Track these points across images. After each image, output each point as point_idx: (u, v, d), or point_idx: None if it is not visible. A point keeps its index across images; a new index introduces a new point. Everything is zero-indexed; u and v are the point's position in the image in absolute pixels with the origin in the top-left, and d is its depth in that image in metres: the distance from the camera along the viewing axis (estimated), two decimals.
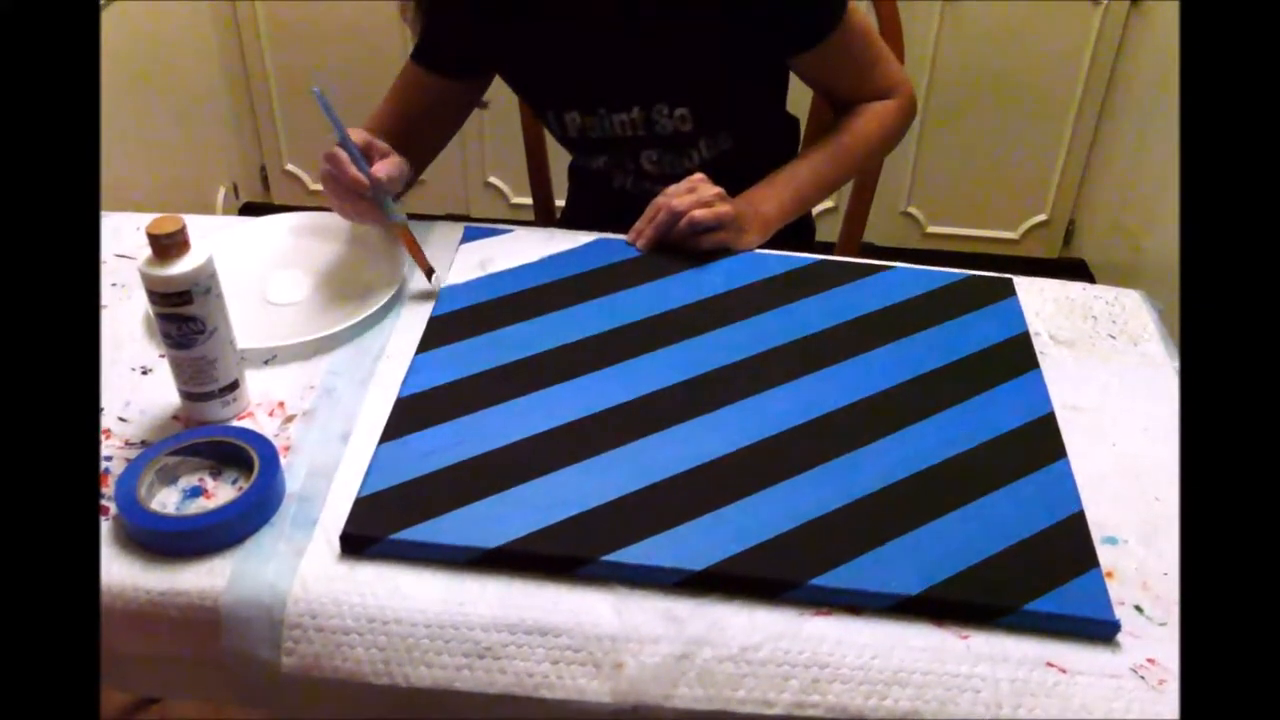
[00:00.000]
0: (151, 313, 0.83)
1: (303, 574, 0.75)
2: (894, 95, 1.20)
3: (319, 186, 2.47)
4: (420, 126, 1.17)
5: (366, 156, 1.00)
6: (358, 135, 1.00)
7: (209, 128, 2.32)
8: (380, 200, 1.00)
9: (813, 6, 1.10)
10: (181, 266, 0.80)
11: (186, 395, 0.86)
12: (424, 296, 1.02)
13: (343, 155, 0.98)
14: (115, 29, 1.90)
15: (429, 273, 1.03)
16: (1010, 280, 1.06)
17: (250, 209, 2.50)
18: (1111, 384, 0.95)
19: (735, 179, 1.13)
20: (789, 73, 1.24)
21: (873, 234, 2.32)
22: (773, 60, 1.19)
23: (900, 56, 1.30)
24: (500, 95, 1.27)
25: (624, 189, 1.26)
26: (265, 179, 2.51)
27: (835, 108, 1.23)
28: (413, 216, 1.08)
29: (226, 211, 2.38)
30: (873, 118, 1.19)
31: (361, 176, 0.98)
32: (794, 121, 1.36)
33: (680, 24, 1.09)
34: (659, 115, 1.16)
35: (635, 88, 1.15)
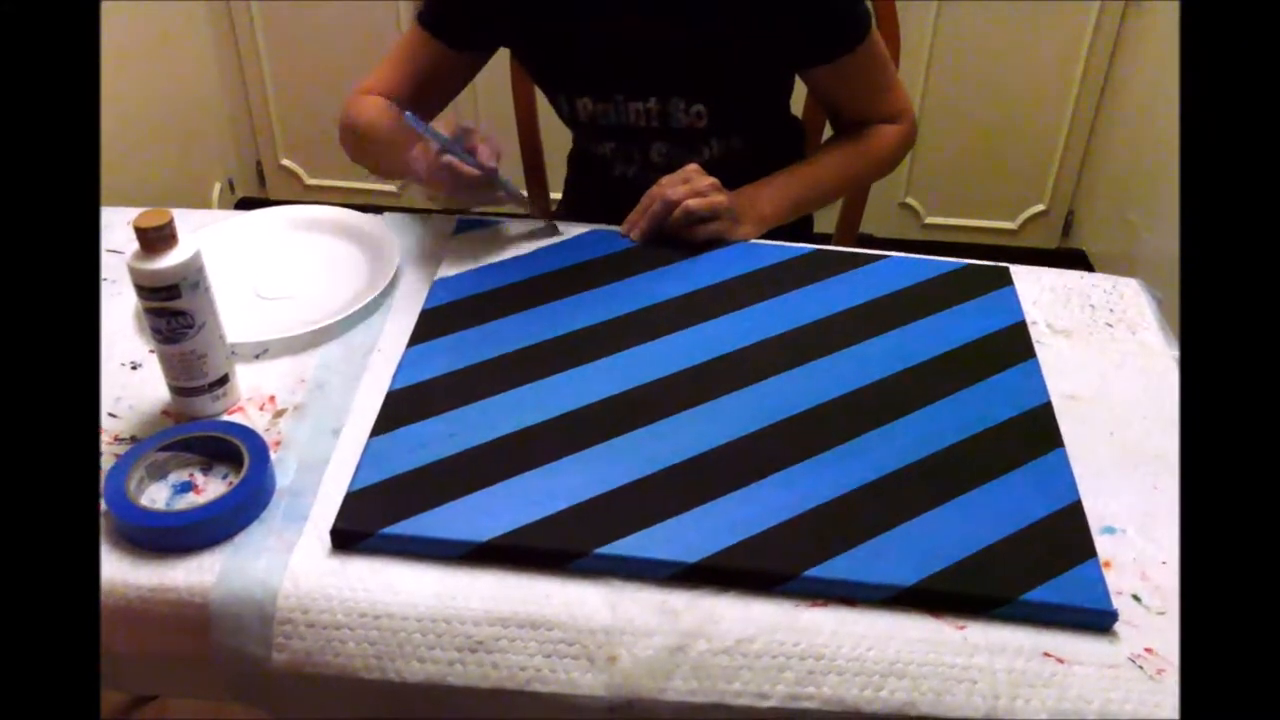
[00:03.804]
0: (140, 307, 0.82)
1: (293, 569, 0.74)
2: (899, 121, 1.21)
3: (315, 181, 2.47)
4: (423, 90, 1.16)
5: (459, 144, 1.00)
6: (445, 130, 1.00)
7: (204, 123, 2.32)
8: (496, 182, 1.02)
9: (840, 21, 1.11)
10: (169, 260, 0.79)
11: (176, 390, 0.86)
12: (417, 290, 1.02)
13: (453, 160, 0.98)
14: (110, 23, 1.89)
15: (552, 225, 1.09)
16: (1007, 269, 1.06)
17: (246, 204, 2.49)
18: (1109, 373, 0.94)
19: (740, 179, 1.13)
20: (794, 77, 1.24)
21: (870, 225, 2.31)
22: (793, 68, 1.20)
23: (896, 51, 1.30)
24: (498, 89, 1.26)
25: (625, 178, 1.26)
26: (261, 174, 2.50)
27: (839, 125, 1.24)
28: (407, 210, 1.08)
29: (222, 207, 2.37)
30: (879, 139, 1.20)
31: (477, 171, 0.99)
32: (799, 126, 1.36)
33: (709, 22, 1.09)
34: (675, 109, 1.16)
35: (656, 79, 1.15)
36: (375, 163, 1.16)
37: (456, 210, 1.13)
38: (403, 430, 0.84)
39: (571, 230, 1.10)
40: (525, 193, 1.09)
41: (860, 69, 1.15)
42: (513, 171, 2.28)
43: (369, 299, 0.98)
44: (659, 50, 1.11)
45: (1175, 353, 0.96)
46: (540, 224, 1.11)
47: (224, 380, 0.86)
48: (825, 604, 0.73)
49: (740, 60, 1.13)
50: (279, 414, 0.87)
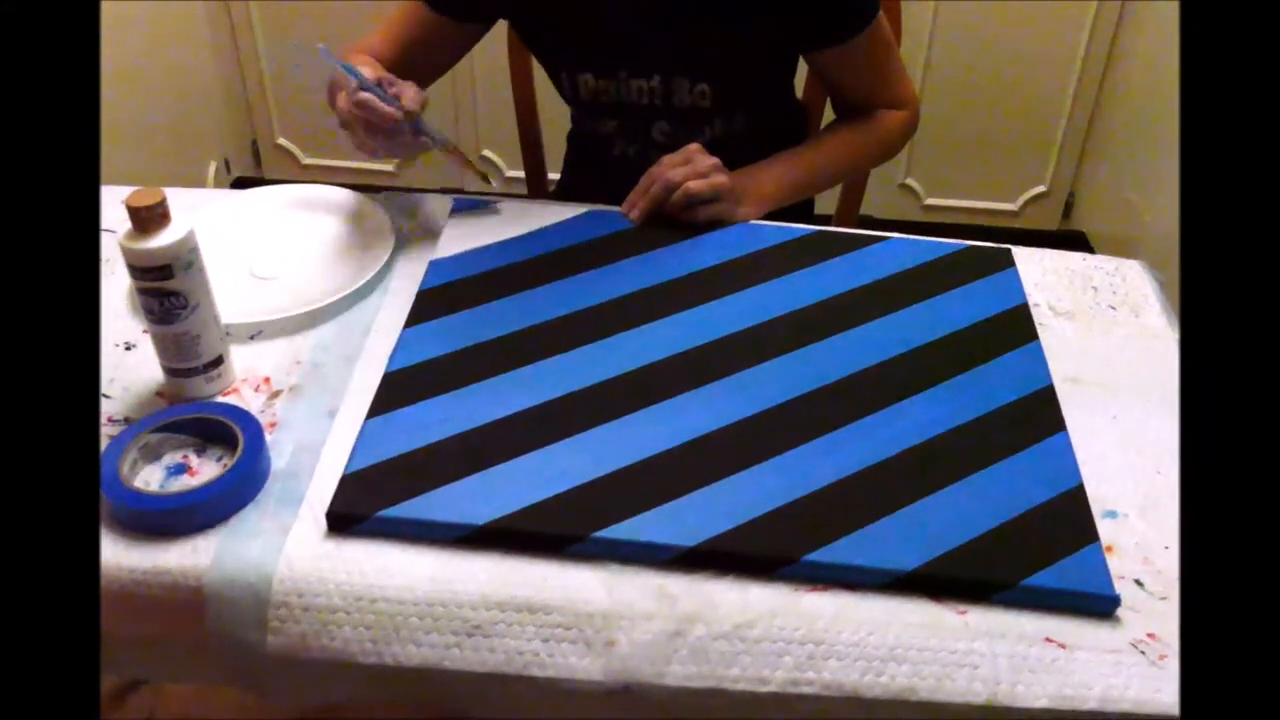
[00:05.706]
0: (133, 287, 0.81)
1: (289, 552, 0.73)
2: (903, 108, 1.20)
3: (311, 161, 2.46)
4: (415, 60, 1.14)
5: (380, 88, 0.97)
6: (367, 71, 0.97)
7: (199, 102, 2.30)
8: (419, 127, 0.98)
9: (847, 4, 1.10)
10: (162, 240, 0.78)
11: (170, 371, 0.85)
12: (413, 271, 1.01)
13: (370, 97, 0.95)
14: (106, 3, 1.87)
15: (483, 176, 1.07)
16: (1009, 251, 1.05)
17: (241, 183, 2.47)
18: (1112, 356, 0.93)
19: (742, 159, 1.12)
20: (798, 59, 1.23)
21: (870, 206, 2.28)
22: (800, 50, 1.19)
23: (898, 31, 1.29)
24: (495, 66, 1.24)
25: (625, 157, 1.24)
26: (257, 153, 2.48)
27: (843, 109, 1.23)
28: (404, 189, 1.07)
29: (217, 186, 2.36)
30: (883, 124, 1.19)
31: (395, 111, 0.95)
32: (802, 107, 1.35)
33: (716, 1, 1.08)
34: (679, 88, 1.15)
35: (660, 57, 1.14)
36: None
37: (454, 190, 1.12)
38: (399, 412, 0.83)
39: (570, 211, 1.09)
40: (465, 151, 1.05)
41: (866, 53, 1.14)
42: (509, 150, 2.27)
43: (365, 280, 0.97)
44: (664, 27, 1.10)
45: (1178, 335, 0.96)
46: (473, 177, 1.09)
47: (218, 361, 0.86)
48: (825, 588, 0.73)
49: (746, 41, 1.12)
50: (274, 395, 0.87)
